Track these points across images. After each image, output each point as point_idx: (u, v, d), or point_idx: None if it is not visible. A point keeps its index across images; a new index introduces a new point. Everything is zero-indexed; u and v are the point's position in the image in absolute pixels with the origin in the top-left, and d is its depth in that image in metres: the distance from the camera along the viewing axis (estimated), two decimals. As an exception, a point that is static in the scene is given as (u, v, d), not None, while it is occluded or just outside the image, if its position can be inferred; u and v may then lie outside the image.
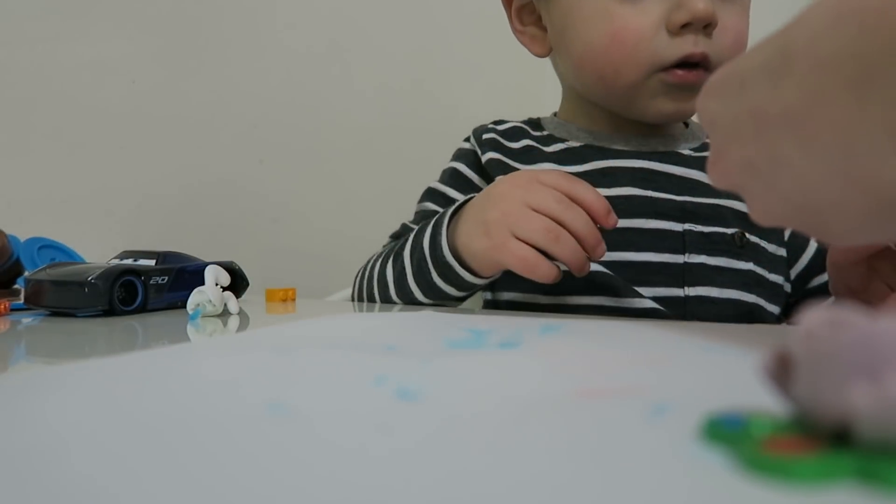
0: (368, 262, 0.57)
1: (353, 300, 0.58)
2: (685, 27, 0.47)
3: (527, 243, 0.41)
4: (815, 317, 0.13)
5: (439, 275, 0.46)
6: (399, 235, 0.59)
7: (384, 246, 0.59)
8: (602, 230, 0.42)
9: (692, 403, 0.16)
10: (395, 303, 0.51)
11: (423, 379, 0.20)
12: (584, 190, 0.42)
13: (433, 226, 0.47)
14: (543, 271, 0.41)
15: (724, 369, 0.22)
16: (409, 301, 0.50)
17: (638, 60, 0.48)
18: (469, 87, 1.15)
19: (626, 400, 0.18)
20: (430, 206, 0.59)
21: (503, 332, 0.29)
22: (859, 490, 0.11)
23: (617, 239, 0.47)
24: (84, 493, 0.12)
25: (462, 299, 0.49)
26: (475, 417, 0.16)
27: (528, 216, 0.41)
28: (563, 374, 0.21)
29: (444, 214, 0.47)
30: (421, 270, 0.47)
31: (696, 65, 0.48)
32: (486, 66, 1.19)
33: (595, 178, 0.47)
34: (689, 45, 0.47)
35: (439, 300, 0.48)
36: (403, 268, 0.49)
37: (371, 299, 0.54)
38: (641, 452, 0.14)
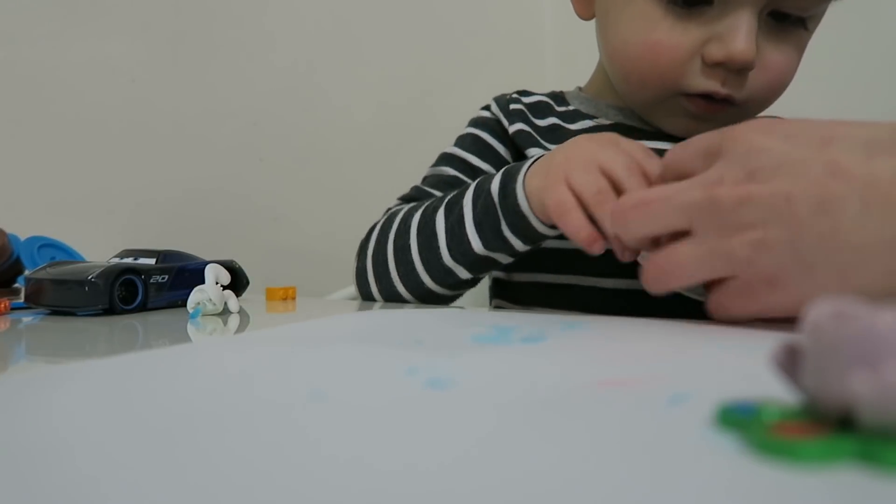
0: (376, 227, 0.53)
1: (359, 276, 0.53)
2: (719, 64, 0.45)
3: (576, 195, 0.39)
4: (821, 310, 0.13)
5: (508, 224, 0.43)
6: (411, 198, 0.56)
7: (389, 210, 0.55)
8: None
9: (709, 393, 0.17)
10: (432, 263, 0.47)
11: (451, 370, 0.22)
12: (657, 168, 0.39)
13: (504, 174, 0.45)
14: (575, 223, 0.38)
15: (741, 361, 0.23)
16: (460, 254, 0.46)
17: (665, 80, 0.47)
18: (470, 84, 1.15)
19: (646, 389, 0.18)
20: (449, 170, 0.56)
21: (527, 329, 0.31)
22: (859, 470, 0.12)
23: None
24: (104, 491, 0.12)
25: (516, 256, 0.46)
26: (501, 405, 0.17)
27: (588, 168, 0.39)
28: (584, 365, 0.22)
29: (520, 164, 0.45)
30: (487, 217, 0.44)
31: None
32: (487, 64, 1.19)
33: None
34: (716, 84, 0.46)
35: (500, 251, 0.45)
36: (462, 217, 0.46)
37: (395, 262, 0.49)
38: (656, 437, 0.14)
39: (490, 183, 0.45)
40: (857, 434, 0.13)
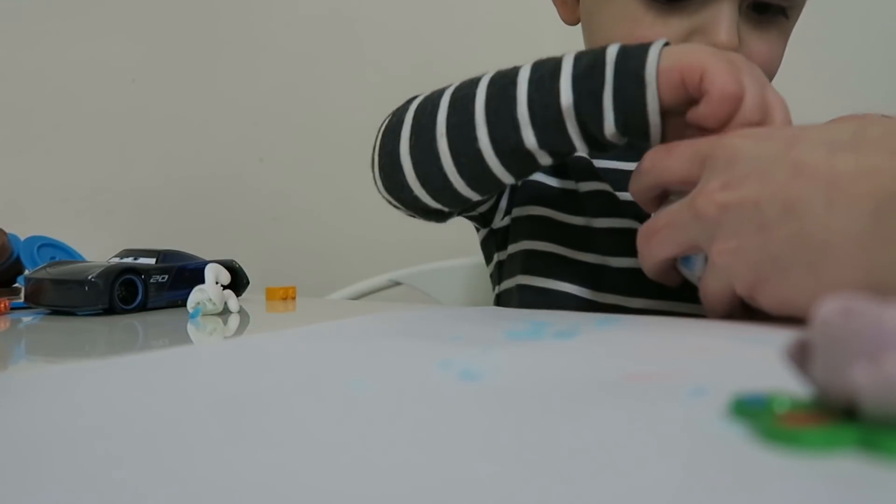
0: (394, 114, 0.50)
1: (386, 136, 0.48)
2: None
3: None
4: (830, 306, 0.14)
5: (616, 89, 0.38)
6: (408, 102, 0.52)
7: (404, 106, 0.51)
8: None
9: (729, 386, 0.18)
10: (502, 114, 0.41)
11: (484, 363, 0.22)
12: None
13: (624, 47, 0.40)
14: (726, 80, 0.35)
15: (761, 356, 0.24)
16: (541, 106, 0.40)
17: None
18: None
19: (669, 383, 0.19)
20: None
21: (560, 325, 0.32)
22: (860, 457, 0.13)
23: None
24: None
25: (597, 142, 0.40)
26: (531, 396, 0.18)
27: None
28: (612, 360, 0.23)
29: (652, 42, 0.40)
30: (591, 76, 0.39)
31: None
32: (487, 63, 1.19)
33: (621, 153, 0.45)
34: None
35: (584, 122, 0.40)
36: (558, 69, 0.40)
37: (450, 111, 0.43)
38: (670, 427, 0.15)
39: (605, 48, 0.40)
40: (860, 423, 0.13)
